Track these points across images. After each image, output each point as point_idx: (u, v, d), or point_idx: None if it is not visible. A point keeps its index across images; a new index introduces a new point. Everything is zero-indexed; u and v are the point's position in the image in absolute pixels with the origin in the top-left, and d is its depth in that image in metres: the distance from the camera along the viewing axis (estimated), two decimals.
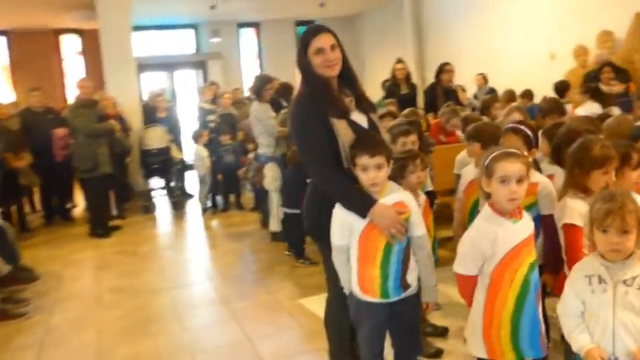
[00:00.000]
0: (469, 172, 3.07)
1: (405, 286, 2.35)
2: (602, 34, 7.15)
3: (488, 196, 2.12)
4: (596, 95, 5.42)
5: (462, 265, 2.12)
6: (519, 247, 2.06)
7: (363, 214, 2.29)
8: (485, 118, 5.08)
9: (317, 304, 3.78)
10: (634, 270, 1.83)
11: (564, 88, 6.28)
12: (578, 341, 1.89)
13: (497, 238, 2.03)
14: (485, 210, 2.13)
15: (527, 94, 7.07)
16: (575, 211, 2.23)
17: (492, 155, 2.07)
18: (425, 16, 10.91)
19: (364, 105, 2.56)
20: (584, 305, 1.90)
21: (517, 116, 3.60)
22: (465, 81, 8.19)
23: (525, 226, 2.12)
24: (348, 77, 2.53)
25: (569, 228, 2.25)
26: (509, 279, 2.04)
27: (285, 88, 6.67)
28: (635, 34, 6.75)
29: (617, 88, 5.98)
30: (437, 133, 5.34)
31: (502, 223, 2.06)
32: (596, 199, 1.89)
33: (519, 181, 2.01)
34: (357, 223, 2.31)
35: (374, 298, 2.34)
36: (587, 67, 7.29)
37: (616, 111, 5.45)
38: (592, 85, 5.77)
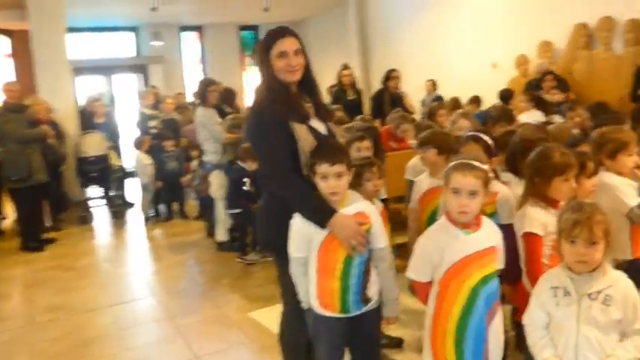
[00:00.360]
0: (423, 180, 3.02)
1: (365, 300, 2.26)
2: (542, 44, 7.38)
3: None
4: (539, 103, 5.54)
5: (413, 270, 2.11)
6: (469, 259, 2.00)
7: (322, 224, 2.19)
8: (434, 125, 5.11)
9: (268, 317, 3.67)
10: (599, 283, 1.80)
11: (508, 96, 6.42)
12: (542, 354, 1.86)
13: (445, 247, 2.00)
14: (442, 218, 2.09)
15: (475, 101, 7.20)
16: (536, 220, 2.21)
17: (452, 164, 2.04)
18: (370, 23, 10.98)
19: (323, 113, 2.48)
20: (549, 317, 1.87)
21: (465, 123, 3.60)
22: (412, 87, 8.26)
23: (483, 237, 2.06)
24: (308, 84, 2.43)
25: (529, 237, 2.22)
26: (455, 290, 2.00)
27: (228, 94, 6.51)
28: (574, 45, 6.99)
29: (557, 97, 6.16)
30: (387, 140, 5.30)
31: (454, 233, 2.02)
32: (565, 209, 1.86)
33: (472, 194, 1.97)
34: (317, 234, 2.21)
35: (333, 313, 2.24)
36: (529, 75, 7.49)
37: (557, 119, 5.61)
38: (535, 93, 5.92)
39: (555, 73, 6.83)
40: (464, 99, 7.50)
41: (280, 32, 2.32)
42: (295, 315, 2.44)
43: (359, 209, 2.25)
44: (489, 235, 2.09)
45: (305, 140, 2.28)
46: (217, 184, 5.37)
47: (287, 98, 2.32)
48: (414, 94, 8.21)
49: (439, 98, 7.73)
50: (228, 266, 5.07)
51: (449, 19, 8.93)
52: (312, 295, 2.28)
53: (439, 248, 2.01)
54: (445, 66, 8.85)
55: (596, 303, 1.77)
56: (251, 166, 4.86)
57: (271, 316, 3.75)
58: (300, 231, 2.23)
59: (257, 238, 4.93)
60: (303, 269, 2.29)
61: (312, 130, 2.34)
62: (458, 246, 2.00)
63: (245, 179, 4.92)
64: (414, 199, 3.09)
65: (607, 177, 2.59)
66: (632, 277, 2.65)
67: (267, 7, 10.17)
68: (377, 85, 7.89)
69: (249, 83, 12.86)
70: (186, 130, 7.12)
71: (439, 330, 2.04)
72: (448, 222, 2.04)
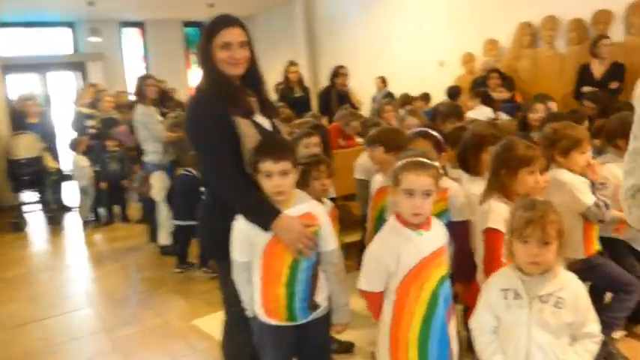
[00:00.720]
0: (376, 180, 2.90)
1: (313, 306, 2.13)
2: (487, 42, 7.44)
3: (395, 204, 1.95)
4: (486, 100, 5.56)
5: (366, 282, 1.95)
6: (427, 261, 1.90)
7: (265, 226, 2.03)
8: (382, 122, 5.02)
9: (212, 324, 3.46)
10: (551, 285, 1.72)
11: (456, 93, 6.42)
12: None
13: (401, 253, 1.86)
14: (390, 220, 1.96)
15: (425, 97, 7.18)
16: (500, 215, 2.12)
17: (402, 163, 1.90)
18: (317, 20, 10.87)
19: (268, 109, 2.31)
20: (497, 320, 1.77)
21: (413, 120, 3.52)
22: (361, 84, 8.18)
23: (434, 237, 1.97)
24: (253, 78, 2.27)
25: (492, 233, 2.13)
26: (415, 295, 1.88)
27: (164, 95, 6.25)
28: (519, 43, 7.08)
29: (503, 94, 6.20)
30: (335, 137, 5.18)
31: (407, 235, 1.89)
32: (517, 207, 1.77)
33: (426, 194, 1.86)
34: (260, 237, 2.06)
35: (279, 321, 2.10)
36: (475, 73, 7.55)
37: (503, 116, 5.65)
38: (481, 90, 5.94)
39: (500, 70, 6.89)
40: (413, 96, 7.49)
41: (226, 21, 2.14)
42: (238, 323, 2.29)
43: (306, 210, 2.11)
44: (439, 234, 2.00)
45: (248, 136, 2.12)
46: (159, 186, 5.12)
47: (229, 91, 2.15)
48: (363, 90, 8.14)
49: (390, 95, 7.68)
50: (172, 272, 4.82)
51: (395, 16, 8.91)
52: (256, 302, 2.13)
53: (394, 254, 1.87)
54: (393, 63, 8.83)
55: (547, 306, 1.69)
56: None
57: (216, 324, 3.51)
58: (243, 234, 2.08)
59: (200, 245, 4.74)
60: (246, 275, 2.14)
61: (257, 126, 2.18)
62: (413, 248, 1.88)
63: (202, 189, 4.61)
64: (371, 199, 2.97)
65: (561, 174, 2.54)
66: (584, 275, 2.65)
67: (213, 2, 9.88)
68: (325, 82, 7.75)
69: (194, 81, 12.54)
70: (116, 131, 6.75)
71: (400, 340, 1.90)
72: (399, 224, 1.91)
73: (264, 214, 2.04)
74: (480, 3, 7.50)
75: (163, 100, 5.61)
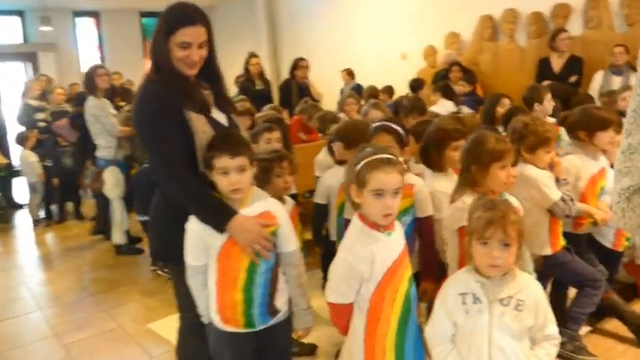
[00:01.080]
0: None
1: (273, 311, 2.01)
2: (449, 35, 7.42)
3: (357, 206, 1.83)
4: (448, 94, 5.53)
5: (338, 293, 1.80)
6: (398, 262, 1.81)
7: (220, 227, 1.91)
8: (343, 115, 4.93)
9: (169, 328, 3.29)
10: (510, 288, 1.65)
11: (419, 86, 6.37)
12: None
13: (374, 257, 1.74)
14: (355, 224, 1.82)
15: (388, 91, 7.11)
16: None
17: (365, 161, 1.76)
18: (279, 11, 10.68)
19: (224, 104, 2.18)
20: (454, 327, 1.69)
21: (377, 114, 3.43)
22: (323, 77, 8.06)
23: (399, 236, 1.88)
24: (209, 71, 2.12)
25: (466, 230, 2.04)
26: (390, 300, 1.78)
27: (115, 90, 5.98)
28: (480, 37, 7.08)
29: (464, 88, 6.18)
30: (296, 131, 5.07)
31: (377, 238, 1.78)
32: (475, 207, 1.69)
33: (396, 193, 1.75)
34: (215, 239, 1.93)
35: (237, 328, 1.98)
36: (437, 66, 7.53)
37: (465, 110, 5.63)
38: (443, 83, 5.91)
39: (462, 64, 6.88)
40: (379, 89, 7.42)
41: (189, 19, 1.96)
42: (193, 330, 2.17)
43: (264, 208, 2.00)
44: (401, 233, 1.91)
45: (202, 132, 1.99)
46: (112, 182, 4.90)
47: (183, 85, 2.00)
48: (327, 83, 8.03)
49: (358, 87, 7.57)
50: (127, 272, 4.64)
51: (358, 8, 8.81)
52: (212, 308, 2.01)
53: (368, 260, 1.74)
54: (356, 55, 8.73)
55: (508, 309, 1.62)
56: None
57: (173, 327, 3.36)
58: (197, 236, 1.95)
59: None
60: (201, 279, 2.01)
61: (211, 122, 2.04)
62: (386, 252, 1.78)
63: None
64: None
65: (527, 169, 2.49)
66: (550, 271, 2.62)
67: None
68: (287, 74, 7.61)
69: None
70: (57, 126, 6.42)
71: (377, 348, 1.78)
72: (366, 226, 1.78)
73: (219, 214, 1.92)
74: None
75: (112, 95, 5.30)
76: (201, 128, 1.99)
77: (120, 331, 3.52)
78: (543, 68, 6.00)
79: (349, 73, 8.13)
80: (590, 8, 5.97)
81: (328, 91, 7.92)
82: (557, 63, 5.93)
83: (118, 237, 5.03)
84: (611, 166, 2.95)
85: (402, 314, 1.79)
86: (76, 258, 5.24)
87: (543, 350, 1.65)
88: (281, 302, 2.03)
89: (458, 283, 1.70)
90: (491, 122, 3.69)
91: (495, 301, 1.63)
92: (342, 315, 1.84)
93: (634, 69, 5.34)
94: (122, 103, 6.03)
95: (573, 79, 5.71)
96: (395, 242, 1.82)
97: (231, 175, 1.89)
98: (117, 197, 4.90)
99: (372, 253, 1.74)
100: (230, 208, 1.92)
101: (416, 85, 6.46)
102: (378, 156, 1.76)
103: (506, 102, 3.85)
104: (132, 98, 7.37)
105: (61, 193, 6.63)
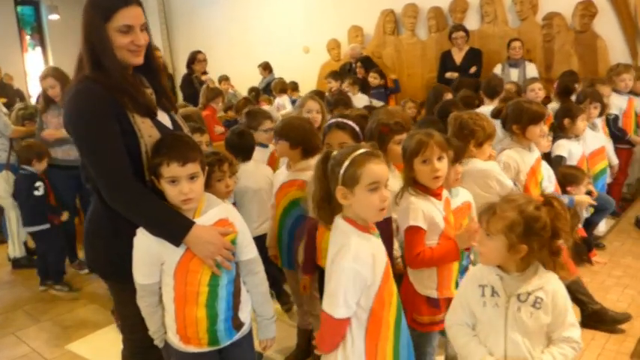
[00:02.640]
0: (280, 173, 2.69)
1: (237, 325, 1.88)
2: (352, 29, 7.49)
3: (340, 209, 1.72)
4: (364, 87, 5.58)
5: (345, 306, 1.61)
6: (388, 263, 1.74)
7: (177, 240, 1.74)
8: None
9: (92, 349, 3.10)
10: (529, 284, 1.64)
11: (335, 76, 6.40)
12: (476, 354, 1.68)
13: (375, 260, 1.66)
14: (344, 228, 1.69)
15: (294, 86, 7.04)
16: (419, 211, 2.03)
17: (352, 158, 1.65)
18: (172, 3, 10.19)
19: (165, 101, 1.99)
20: (474, 318, 1.68)
21: (314, 105, 3.34)
22: (223, 70, 7.82)
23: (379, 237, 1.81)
24: (148, 66, 1.91)
25: (413, 230, 2.03)
26: (388, 303, 1.70)
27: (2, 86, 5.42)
28: (382, 30, 7.22)
29: (377, 80, 6.26)
30: (211, 127, 4.86)
31: (370, 240, 1.69)
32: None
33: (386, 185, 1.68)
34: (170, 254, 1.76)
35: (200, 347, 1.83)
36: (341, 60, 7.58)
37: (376, 103, 5.71)
38: (361, 77, 5.97)
39: (369, 57, 6.98)
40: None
41: (120, 1, 1.75)
42: (140, 353, 2.00)
43: (220, 216, 1.85)
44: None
45: (149, 137, 1.80)
46: (4, 189, 4.39)
47: (127, 83, 1.79)
48: (234, 78, 7.80)
49: (272, 81, 7.40)
50: (30, 287, 4.18)
51: (258, 1, 8.63)
52: (170, 328, 1.84)
53: (370, 264, 1.64)
54: (260, 50, 8.57)
55: (524, 306, 1.61)
56: (38, 166, 3.96)
57: (97, 346, 3.15)
58: (148, 252, 1.77)
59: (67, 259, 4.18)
60: (154, 299, 1.84)
61: (157, 124, 1.85)
62: (379, 254, 1.69)
63: (37, 184, 3.96)
64: (272, 193, 2.75)
65: (480, 163, 2.54)
66: None
67: None
68: (182, 69, 7.29)
69: (32, 67, 11.14)
70: None
71: (379, 356, 1.68)
72: (358, 229, 1.68)
73: (175, 226, 1.75)
74: None
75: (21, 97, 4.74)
76: (147, 132, 1.81)
77: (35, 356, 3.16)
78: (445, 61, 6.26)
79: (265, 68, 7.90)
80: (485, 4, 6.30)
81: (239, 86, 7.72)
82: (458, 55, 6.21)
83: (14, 250, 4.53)
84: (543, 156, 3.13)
85: (397, 315, 1.73)
86: None
87: (558, 349, 1.63)
88: (245, 314, 1.91)
89: (479, 274, 1.69)
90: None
91: (513, 296, 1.62)
92: (340, 330, 1.67)
93: (528, 61, 5.72)
94: (2, 100, 5.46)
95: (473, 69, 6.02)
96: (381, 243, 1.75)
97: (181, 183, 1.73)
98: (12, 206, 4.40)
99: (372, 257, 1.65)
100: (186, 218, 1.76)
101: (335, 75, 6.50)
102: (361, 150, 1.68)
103: (449, 96, 3.97)
104: (13, 96, 6.75)
105: None
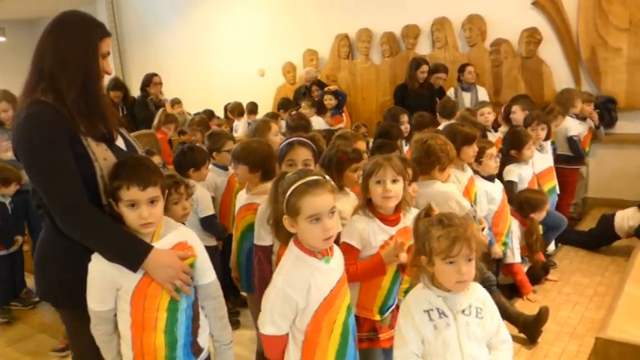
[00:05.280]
0: (241, 196, 2.67)
1: (196, 350, 1.85)
2: (307, 52, 7.57)
3: (290, 236, 1.74)
4: (321, 110, 5.64)
5: (272, 324, 1.69)
6: (335, 291, 1.74)
7: (134, 265, 1.70)
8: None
9: None
10: (467, 297, 1.69)
11: (287, 105, 6.46)
12: None
13: (311, 285, 1.67)
14: (292, 250, 1.73)
15: (253, 108, 7.04)
16: (355, 230, 2.06)
17: (293, 188, 1.67)
18: (124, 25, 10.04)
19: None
20: (423, 346, 1.68)
21: (276, 127, 3.37)
22: (177, 94, 7.75)
23: (338, 262, 1.82)
24: None
25: (344, 247, 2.02)
26: (327, 331, 1.71)
27: None
28: (337, 54, 7.32)
29: (332, 102, 6.30)
30: (167, 147, 4.80)
31: (314, 265, 1.71)
32: (427, 225, 1.67)
33: (332, 212, 1.69)
34: (126, 279, 1.72)
35: None
36: (297, 83, 7.64)
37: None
38: (319, 101, 6.01)
39: (322, 81, 7.06)
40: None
41: (105, 29, 1.87)
42: None
43: (178, 239, 1.83)
44: (339, 258, 1.85)
45: (104, 159, 1.77)
46: None
47: (99, 108, 1.82)
48: (182, 99, 7.74)
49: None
50: None
51: (214, 23, 8.61)
52: (126, 357, 1.78)
53: (303, 288, 1.66)
54: (213, 71, 8.54)
55: (471, 318, 1.66)
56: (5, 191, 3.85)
57: None
58: (103, 277, 1.72)
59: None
60: (110, 327, 1.78)
61: (111, 146, 1.82)
62: (323, 280, 1.70)
63: None
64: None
65: (440, 185, 2.62)
66: None
67: None
68: (136, 91, 7.19)
69: None
70: None
71: None
72: (302, 252, 1.69)
73: (132, 250, 1.71)
74: (299, 14, 7.59)
75: None
76: (101, 156, 1.78)
77: None
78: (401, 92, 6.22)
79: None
80: (436, 30, 6.48)
81: (187, 109, 7.65)
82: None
83: None
84: (488, 177, 3.22)
85: (340, 345, 1.73)
86: None
87: (503, 354, 1.70)
88: (203, 340, 1.87)
89: (419, 300, 1.69)
90: (394, 138, 3.77)
91: (459, 313, 1.65)
92: (276, 347, 1.74)
93: (480, 85, 5.91)
94: None
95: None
96: (333, 269, 1.75)
97: (141, 208, 1.70)
98: None
99: (307, 282, 1.66)
100: (144, 242, 1.73)
101: (285, 103, 6.55)
102: (304, 180, 1.69)
103: (405, 118, 4.09)
104: None
105: None
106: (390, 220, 2.10)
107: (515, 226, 3.53)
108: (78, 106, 1.74)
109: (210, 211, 3.21)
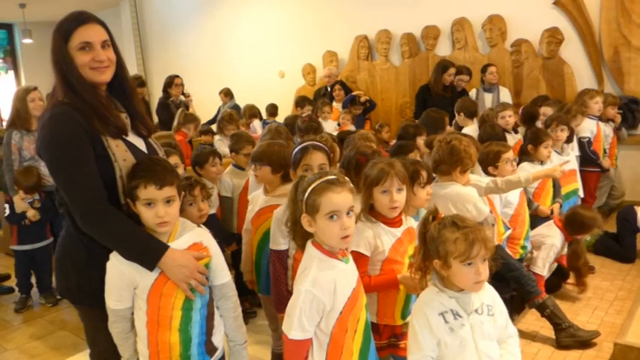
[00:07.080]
0: (257, 197, 2.69)
1: (211, 350, 1.88)
2: (327, 54, 7.58)
3: (308, 235, 1.75)
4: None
5: (299, 329, 1.66)
6: (357, 290, 1.76)
7: (151, 264, 1.74)
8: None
9: None
10: (480, 297, 1.71)
11: (302, 103, 6.46)
12: None
13: (336, 286, 1.68)
14: (311, 252, 1.73)
15: (273, 109, 7.08)
16: (364, 239, 2.06)
17: (314, 186, 1.69)
18: (147, 27, 10.18)
19: (141, 126, 1.99)
20: (439, 348, 1.68)
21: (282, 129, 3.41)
22: (200, 94, 7.83)
23: (353, 263, 1.83)
24: (121, 88, 1.93)
25: (355, 255, 2.00)
26: (352, 330, 1.72)
27: None
28: (356, 55, 7.33)
29: (357, 110, 6.32)
30: (187, 151, 4.85)
31: (336, 266, 1.72)
32: (440, 229, 1.67)
33: (351, 210, 1.70)
34: (143, 278, 1.76)
35: None
36: (316, 84, 7.66)
37: (351, 127, 5.76)
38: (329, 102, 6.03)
39: (344, 82, 7.07)
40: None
41: (80, 18, 1.80)
42: None
43: (194, 240, 1.86)
44: (352, 259, 1.86)
45: (123, 160, 1.81)
46: None
47: (96, 104, 1.80)
48: (203, 101, 7.81)
49: (236, 107, 7.43)
50: None
51: (234, 25, 8.69)
52: (142, 355, 1.82)
53: (330, 290, 1.66)
54: (234, 74, 8.60)
55: (484, 317, 1.68)
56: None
57: None
58: (121, 276, 1.76)
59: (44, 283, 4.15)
60: (127, 325, 1.82)
61: (131, 148, 1.86)
62: (345, 280, 1.71)
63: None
64: (247, 218, 2.75)
65: (460, 188, 2.61)
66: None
67: (24, 2, 8.78)
68: (157, 92, 7.26)
69: (3, 91, 11.00)
70: None
71: None
72: (323, 254, 1.71)
73: (149, 250, 1.75)
74: (319, 15, 7.62)
75: None
76: (121, 156, 1.82)
77: None
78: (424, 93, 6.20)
79: (226, 94, 7.91)
80: (456, 31, 6.45)
81: (203, 111, 7.70)
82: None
83: None
84: None
85: (364, 343, 1.75)
86: None
87: (511, 347, 1.74)
88: (218, 339, 1.90)
89: (432, 303, 1.70)
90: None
91: (472, 312, 1.67)
92: (301, 351, 1.71)
93: (502, 86, 5.85)
94: None
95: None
96: (352, 269, 1.77)
97: (158, 207, 1.74)
98: None
99: (333, 283, 1.67)
100: (160, 242, 1.76)
101: (302, 102, 6.55)
102: (324, 178, 1.71)
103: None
104: None
105: None
106: (393, 222, 2.11)
107: (557, 240, 3.35)
108: (80, 105, 1.76)
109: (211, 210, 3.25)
